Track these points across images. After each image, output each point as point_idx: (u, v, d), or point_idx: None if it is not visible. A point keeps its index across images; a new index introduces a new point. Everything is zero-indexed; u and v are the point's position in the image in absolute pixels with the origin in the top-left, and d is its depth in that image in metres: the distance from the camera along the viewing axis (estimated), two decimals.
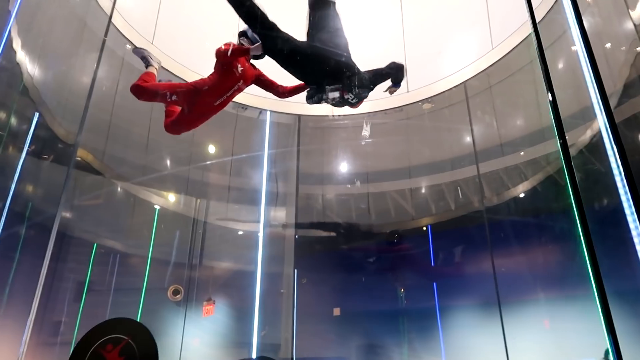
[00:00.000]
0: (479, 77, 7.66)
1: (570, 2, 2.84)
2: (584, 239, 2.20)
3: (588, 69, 2.62)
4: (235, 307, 9.68)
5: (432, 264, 9.09)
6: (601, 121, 2.56)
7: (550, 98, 2.54)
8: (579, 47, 2.76)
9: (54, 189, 6.44)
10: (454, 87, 7.90)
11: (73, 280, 7.69)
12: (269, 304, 8.08)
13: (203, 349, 8.74)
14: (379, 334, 9.55)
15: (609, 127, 2.43)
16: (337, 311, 9.80)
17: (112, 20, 6.36)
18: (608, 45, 6.14)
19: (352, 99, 3.95)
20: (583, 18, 6.46)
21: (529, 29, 6.59)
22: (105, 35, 5.38)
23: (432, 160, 8.78)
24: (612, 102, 5.91)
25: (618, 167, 2.37)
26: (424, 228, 9.26)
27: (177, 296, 8.71)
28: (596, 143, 5.97)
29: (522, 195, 8.03)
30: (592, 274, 2.16)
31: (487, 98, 7.95)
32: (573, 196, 2.28)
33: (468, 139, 8.30)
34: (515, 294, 7.77)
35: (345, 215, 9.97)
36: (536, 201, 7.65)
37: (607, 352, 5.09)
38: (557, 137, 2.51)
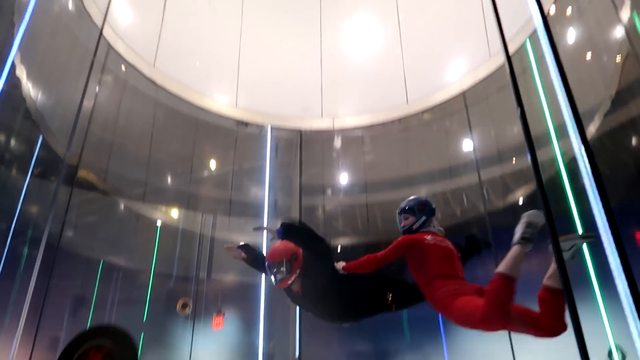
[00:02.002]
0: (478, 86, 7.71)
1: (545, 34, 2.88)
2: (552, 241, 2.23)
3: (564, 99, 2.65)
4: (244, 320, 9.73)
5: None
6: (576, 147, 2.60)
7: (519, 113, 2.60)
8: (554, 76, 2.80)
9: (58, 209, 6.57)
10: (453, 96, 7.96)
11: (78, 297, 7.78)
12: (277, 316, 8.11)
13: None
14: (386, 340, 9.58)
15: (585, 152, 2.47)
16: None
17: (115, 46, 6.49)
18: (601, 53, 6.21)
19: None
20: (577, 25, 6.54)
21: (524, 37, 6.70)
22: (94, 55, 5.44)
23: (433, 168, 8.82)
24: (604, 108, 5.98)
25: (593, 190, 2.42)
26: None
27: (186, 309, 8.76)
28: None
29: (521, 201, 8.06)
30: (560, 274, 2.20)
31: (486, 106, 8.01)
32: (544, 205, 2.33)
33: (469, 146, 8.34)
34: (519, 300, 7.78)
35: (351, 225, 10.01)
36: (537, 205, 7.66)
37: (610, 352, 5.12)
38: (527, 150, 2.55)
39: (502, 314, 2.53)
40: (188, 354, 8.05)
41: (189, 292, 9.07)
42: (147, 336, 7.97)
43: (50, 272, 5.83)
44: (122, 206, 8.64)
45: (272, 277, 3.13)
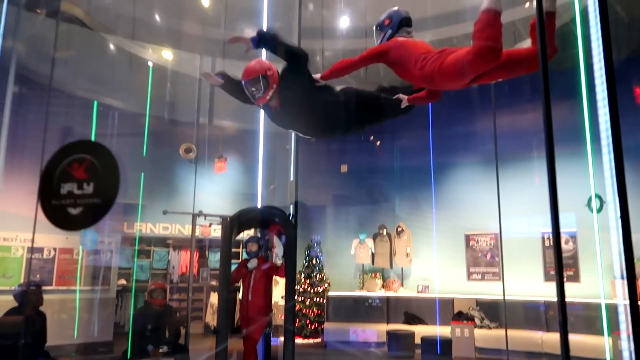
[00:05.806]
0: None
1: None
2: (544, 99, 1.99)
3: None
4: (245, 164, 10.02)
5: (430, 123, 9.05)
6: None
7: None
8: None
9: (44, 43, 6.29)
10: None
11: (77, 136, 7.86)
12: (276, 161, 8.28)
13: (214, 201, 9.23)
14: (378, 187, 9.97)
15: None
16: (344, 168, 10.10)
17: None
18: None
19: None
20: None
21: None
22: None
23: (440, 12, 8.18)
24: None
25: None
26: None
27: (190, 154, 8.94)
28: None
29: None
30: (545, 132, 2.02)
31: None
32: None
33: None
34: (513, 152, 7.86)
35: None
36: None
37: (589, 200, 5.28)
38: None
39: (492, 42, 2.48)
40: (192, 195, 8.38)
41: (189, 137, 9.17)
42: (151, 179, 8.23)
43: (47, 110, 5.82)
44: (111, 45, 8.29)
45: (250, 96, 3.14)
